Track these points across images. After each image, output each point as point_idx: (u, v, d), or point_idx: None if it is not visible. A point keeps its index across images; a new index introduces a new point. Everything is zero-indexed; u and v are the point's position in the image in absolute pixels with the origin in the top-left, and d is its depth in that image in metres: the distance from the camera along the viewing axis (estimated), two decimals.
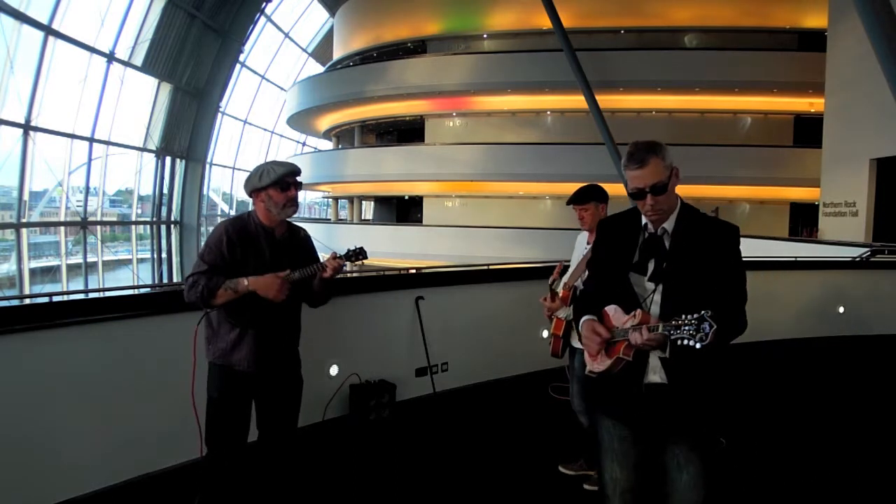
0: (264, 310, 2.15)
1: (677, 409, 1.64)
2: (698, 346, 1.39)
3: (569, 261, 2.98)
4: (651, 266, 1.66)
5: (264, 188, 2.16)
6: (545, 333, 3.71)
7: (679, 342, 1.42)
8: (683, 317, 1.42)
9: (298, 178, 2.24)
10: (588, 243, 2.84)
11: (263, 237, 2.22)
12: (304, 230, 2.41)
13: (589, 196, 2.77)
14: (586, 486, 2.82)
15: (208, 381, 2.24)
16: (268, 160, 2.25)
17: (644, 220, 1.70)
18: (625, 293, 1.68)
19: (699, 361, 1.59)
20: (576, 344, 2.81)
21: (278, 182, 2.15)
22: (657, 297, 1.64)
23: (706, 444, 1.67)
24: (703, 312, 1.39)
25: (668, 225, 1.67)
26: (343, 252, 2.28)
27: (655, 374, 1.64)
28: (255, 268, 2.16)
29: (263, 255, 2.20)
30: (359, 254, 2.30)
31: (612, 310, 1.69)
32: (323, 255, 2.34)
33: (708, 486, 1.65)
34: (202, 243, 2.30)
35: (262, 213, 2.22)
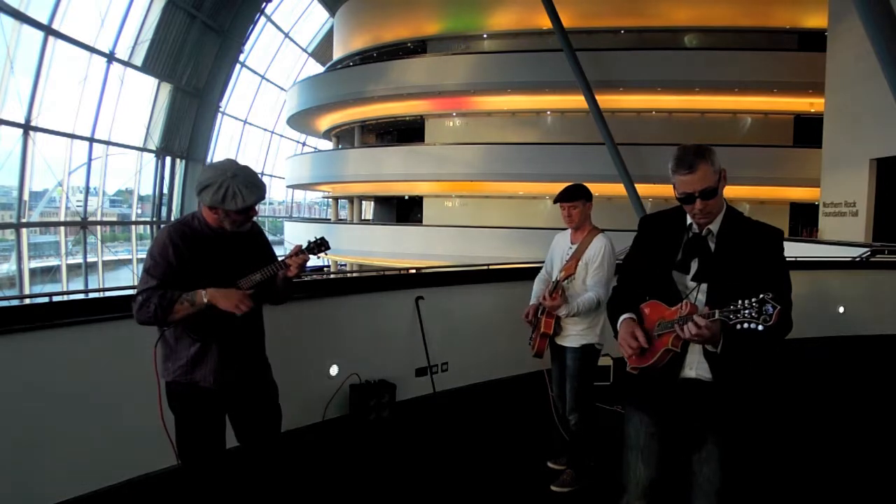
0: (226, 320, 1.98)
1: (715, 406, 1.63)
2: (761, 328, 1.35)
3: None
4: (694, 265, 1.66)
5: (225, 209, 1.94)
6: None
7: (739, 326, 1.38)
8: (741, 302, 1.38)
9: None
10: (572, 243, 2.83)
11: (212, 238, 2.03)
12: (257, 224, 2.19)
13: (578, 194, 2.78)
14: (554, 488, 2.80)
15: (169, 401, 2.07)
16: (226, 161, 2.02)
17: (689, 219, 1.70)
18: (666, 290, 1.67)
19: (743, 359, 1.59)
20: (568, 343, 2.80)
21: (243, 211, 1.96)
22: (699, 296, 1.63)
23: (735, 442, 1.66)
24: (763, 295, 1.36)
25: (714, 226, 1.67)
26: (305, 245, 2.13)
27: (692, 369, 1.65)
28: (208, 271, 1.98)
29: (215, 256, 2.01)
30: (321, 245, 2.15)
31: (650, 305, 1.69)
32: (287, 253, 2.19)
33: (727, 480, 1.66)
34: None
35: (211, 220, 2.01)
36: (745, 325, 1.37)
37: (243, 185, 1.92)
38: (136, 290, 1.94)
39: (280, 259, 2.13)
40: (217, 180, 1.91)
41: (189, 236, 1.99)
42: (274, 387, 2.25)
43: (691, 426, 1.68)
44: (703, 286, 1.63)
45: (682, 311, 1.56)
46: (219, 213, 1.96)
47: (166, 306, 1.89)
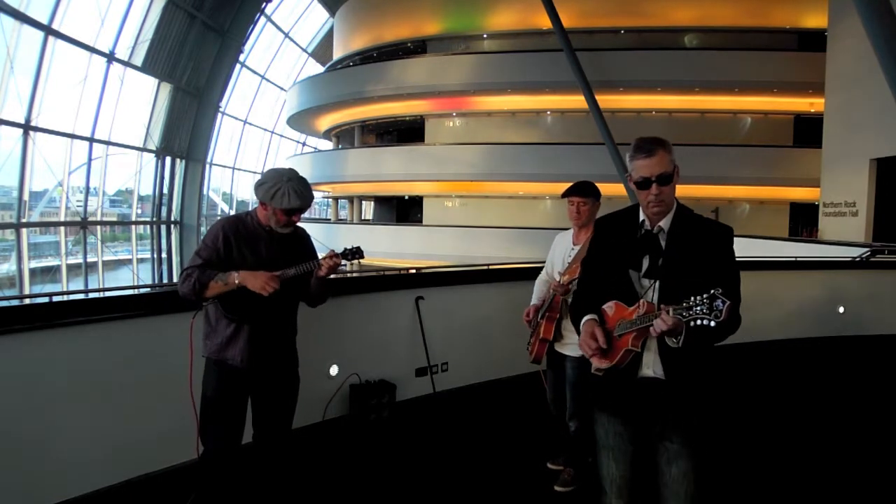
0: (259, 305, 2.16)
1: (671, 403, 1.65)
2: (713, 324, 1.36)
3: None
4: (646, 263, 1.69)
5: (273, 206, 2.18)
6: None
7: (692, 323, 1.40)
8: (693, 298, 1.40)
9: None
10: (575, 243, 2.80)
11: (262, 235, 2.25)
12: (303, 229, 2.42)
13: (591, 191, 2.74)
14: (557, 488, 2.79)
15: (204, 377, 2.25)
16: (286, 169, 2.25)
17: (641, 217, 1.73)
18: (623, 289, 1.69)
19: (694, 356, 1.61)
20: (568, 351, 2.77)
21: (287, 211, 2.18)
22: (653, 295, 1.65)
23: (697, 439, 1.68)
24: (713, 291, 1.38)
25: (665, 223, 1.70)
26: (340, 251, 2.28)
27: (649, 368, 1.67)
28: (253, 265, 2.18)
29: (261, 253, 2.23)
30: (355, 253, 2.30)
31: (610, 306, 1.70)
32: (322, 255, 2.34)
33: (698, 480, 1.67)
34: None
35: (262, 217, 2.25)
36: (698, 322, 1.39)
37: (293, 189, 2.15)
38: (184, 266, 2.20)
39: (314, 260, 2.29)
40: (273, 180, 2.16)
41: (240, 229, 2.24)
42: (298, 380, 2.40)
43: (653, 424, 1.71)
44: (656, 284, 1.66)
45: (639, 311, 1.59)
46: (268, 209, 2.20)
47: (204, 281, 2.12)
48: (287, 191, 2.14)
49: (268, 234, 2.25)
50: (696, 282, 1.47)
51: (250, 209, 2.33)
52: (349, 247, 2.32)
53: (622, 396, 1.71)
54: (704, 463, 1.69)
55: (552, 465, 3.02)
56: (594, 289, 1.78)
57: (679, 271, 1.63)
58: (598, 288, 1.76)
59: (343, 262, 2.27)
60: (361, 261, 2.36)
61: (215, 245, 2.18)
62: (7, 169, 12.13)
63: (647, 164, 1.64)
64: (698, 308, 1.38)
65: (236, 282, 2.12)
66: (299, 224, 2.37)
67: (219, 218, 2.65)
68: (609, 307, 1.70)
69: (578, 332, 1.77)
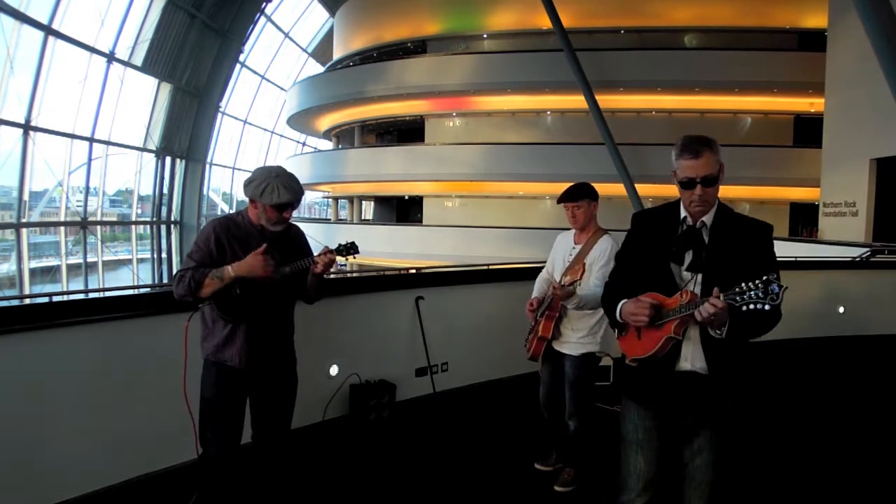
0: (255, 304, 2.15)
1: (708, 398, 1.66)
2: (768, 307, 1.38)
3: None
4: (689, 257, 1.70)
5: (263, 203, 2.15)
6: None
7: (745, 308, 1.41)
8: (745, 284, 1.42)
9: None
10: (576, 243, 2.80)
11: (254, 234, 2.22)
12: (296, 227, 2.38)
13: (583, 193, 2.72)
14: (557, 488, 2.79)
15: (202, 379, 2.23)
16: (274, 166, 2.23)
17: (683, 213, 1.74)
18: (663, 282, 1.70)
19: (736, 349, 1.63)
20: (567, 350, 2.76)
21: (277, 206, 2.15)
22: (695, 287, 1.66)
23: (726, 434, 1.70)
24: (766, 276, 1.39)
25: (707, 219, 1.72)
26: (335, 247, 2.25)
27: (687, 361, 1.68)
28: None
29: (252, 250, 2.17)
30: (350, 248, 2.27)
31: (648, 298, 1.70)
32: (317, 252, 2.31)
33: (718, 469, 1.70)
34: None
35: (254, 216, 2.22)
36: (752, 307, 1.40)
37: (282, 184, 2.12)
38: (177, 270, 2.19)
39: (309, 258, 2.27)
40: (261, 177, 2.14)
41: (231, 229, 2.20)
42: (296, 380, 2.39)
43: (686, 419, 1.71)
44: (698, 277, 1.67)
45: (682, 300, 1.60)
46: (258, 207, 2.17)
47: (199, 280, 2.09)
48: (276, 186, 2.11)
49: (260, 234, 2.21)
50: (737, 276, 1.49)
51: (242, 209, 2.30)
52: (344, 242, 2.27)
53: (658, 389, 1.71)
54: (729, 457, 1.71)
55: (541, 465, 3.00)
56: (627, 281, 1.79)
57: (723, 265, 1.65)
58: (632, 280, 1.77)
59: (338, 257, 2.25)
60: (362, 261, 2.34)
61: (207, 247, 2.15)
62: (7, 169, 12.13)
63: (692, 166, 1.64)
64: (752, 293, 1.40)
65: (231, 274, 2.09)
66: (293, 222, 2.33)
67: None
68: (647, 298, 1.69)
69: (613, 320, 1.78)
